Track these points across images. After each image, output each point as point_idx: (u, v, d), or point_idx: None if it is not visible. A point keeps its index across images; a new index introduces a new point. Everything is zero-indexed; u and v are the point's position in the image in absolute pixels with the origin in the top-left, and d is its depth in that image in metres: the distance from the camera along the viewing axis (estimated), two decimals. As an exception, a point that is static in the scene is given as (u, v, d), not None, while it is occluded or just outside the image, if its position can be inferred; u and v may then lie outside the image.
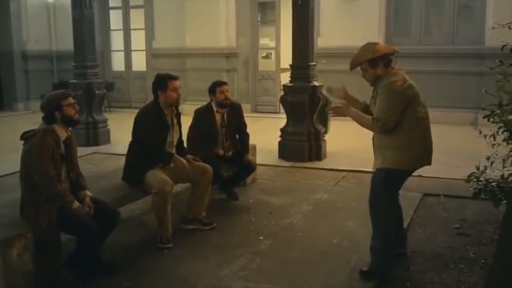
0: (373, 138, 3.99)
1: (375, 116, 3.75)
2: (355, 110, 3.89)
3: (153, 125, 4.55)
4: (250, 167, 5.66)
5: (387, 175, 3.81)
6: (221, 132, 5.59)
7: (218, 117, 5.57)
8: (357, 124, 3.88)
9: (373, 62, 3.78)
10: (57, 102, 3.74)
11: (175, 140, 4.79)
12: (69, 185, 3.84)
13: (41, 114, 3.80)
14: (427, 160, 4.01)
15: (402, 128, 3.73)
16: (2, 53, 13.42)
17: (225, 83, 5.62)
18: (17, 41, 13.21)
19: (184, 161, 4.66)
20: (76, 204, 3.74)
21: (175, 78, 4.64)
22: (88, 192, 3.92)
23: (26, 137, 3.73)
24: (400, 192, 3.96)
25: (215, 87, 5.54)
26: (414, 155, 3.85)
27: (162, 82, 4.61)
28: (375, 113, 3.75)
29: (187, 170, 4.66)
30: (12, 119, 11.98)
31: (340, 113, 3.94)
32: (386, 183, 3.83)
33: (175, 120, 4.77)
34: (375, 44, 3.85)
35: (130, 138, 4.71)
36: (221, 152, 5.59)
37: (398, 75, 3.78)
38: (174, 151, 4.77)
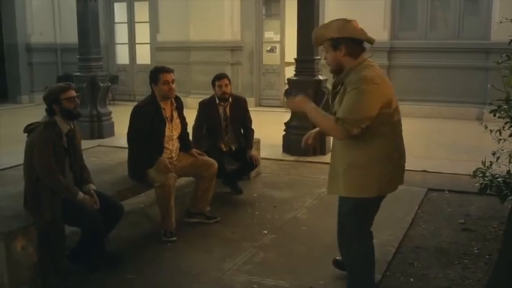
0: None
1: (339, 115, 2.96)
2: (314, 106, 3.15)
3: (146, 118, 4.50)
4: (253, 163, 5.65)
5: (358, 206, 3.14)
6: (223, 125, 5.57)
7: (221, 110, 5.55)
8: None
9: (335, 42, 3.05)
10: (55, 95, 3.72)
11: (176, 134, 4.75)
12: (72, 178, 3.83)
13: (45, 107, 3.80)
14: (400, 179, 3.21)
15: (372, 137, 3.00)
16: (6, 46, 13.45)
17: (224, 77, 5.55)
18: (21, 33, 13.24)
19: (168, 165, 4.50)
20: (81, 195, 3.74)
21: (167, 71, 4.58)
22: (92, 186, 3.92)
23: (29, 129, 3.72)
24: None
25: (214, 80, 5.54)
26: (385, 175, 3.06)
27: (154, 75, 4.59)
28: (340, 113, 2.96)
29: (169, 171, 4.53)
30: (17, 112, 11.99)
31: (295, 106, 3.28)
32: (357, 217, 3.20)
33: (175, 114, 4.72)
34: (347, 21, 3.09)
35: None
36: (222, 146, 5.57)
37: (373, 68, 3.06)
38: (176, 145, 4.75)
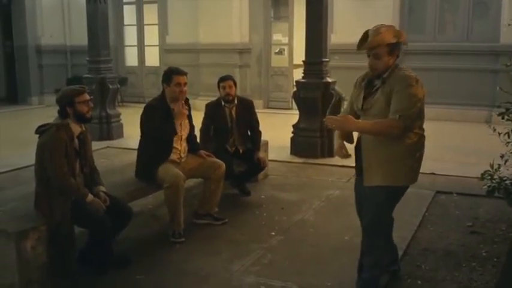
0: (357, 146, 3.43)
1: (395, 111, 3.14)
2: (359, 121, 3.30)
3: (157, 118, 4.54)
4: (260, 165, 5.66)
5: (390, 194, 3.35)
6: (229, 127, 5.59)
7: (227, 112, 5.58)
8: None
9: (393, 47, 3.25)
10: (70, 98, 3.76)
11: (185, 134, 4.78)
12: (83, 180, 3.86)
13: (55, 109, 3.83)
14: (417, 176, 3.46)
15: (411, 133, 3.26)
16: (16, 48, 13.54)
17: (228, 79, 5.56)
18: (31, 35, 13.31)
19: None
20: (90, 197, 3.78)
21: (180, 73, 4.61)
22: (102, 188, 3.95)
23: (40, 131, 3.76)
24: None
25: (219, 82, 5.57)
26: (416, 169, 3.38)
27: (167, 75, 4.62)
28: (396, 110, 3.14)
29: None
30: (27, 113, 12.08)
31: (339, 125, 3.32)
32: (389, 204, 3.41)
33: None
34: (393, 26, 3.31)
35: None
36: (228, 148, 5.59)
37: (408, 69, 3.36)
38: (184, 145, 4.77)
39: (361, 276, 3.54)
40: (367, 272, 3.49)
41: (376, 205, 3.38)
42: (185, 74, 4.65)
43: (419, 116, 3.26)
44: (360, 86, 3.45)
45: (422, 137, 3.34)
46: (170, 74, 4.61)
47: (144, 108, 4.65)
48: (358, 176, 3.56)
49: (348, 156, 3.50)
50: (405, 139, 3.23)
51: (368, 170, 3.35)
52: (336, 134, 3.64)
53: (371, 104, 3.30)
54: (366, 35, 3.30)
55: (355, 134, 3.49)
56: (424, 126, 3.38)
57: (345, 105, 3.71)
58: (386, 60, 3.27)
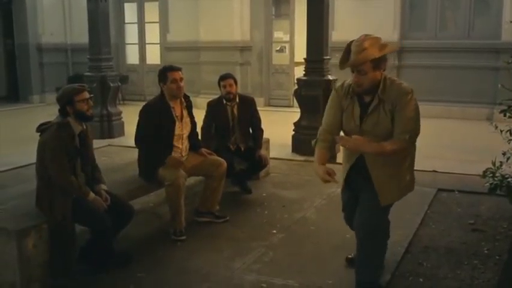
0: (356, 165, 3.35)
1: (403, 131, 3.09)
2: (371, 141, 3.16)
3: (155, 118, 4.52)
4: (261, 163, 5.65)
5: (388, 206, 3.41)
6: (231, 125, 5.59)
7: (228, 110, 5.57)
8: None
9: (378, 62, 3.09)
10: (69, 96, 3.75)
11: (186, 133, 4.76)
12: (84, 178, 3.86)
13: (56, 107, 3.83)
14: None
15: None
16: (17, 46, 13.56)
17: (228, 77, 5.55)
18: (32, 33, 13.33)
19: (179, 159, 4.58)
20: (92, 195, 3.78)
21: (175, 69, 4.60)
22: (103, 186, 3.95)
23: (41, 129, 3.76)
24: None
25: (219, 81, 5.56)
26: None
27: (162, 74, 4.61)
28: (402, 129, 3.09)
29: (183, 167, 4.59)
30: (28, 111, 12.08)
31: (354, 147, 3.25)
32: (388, 211, 3.44)
33: (184, 113, 4.73)
34: (379, 39, 3.14)
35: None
36: (230, 146, 5.59)
37: (396, 79, 3.27)
38: (185, 143, 4.76)
39: (360, 280, 3.47)
40: (366, 277, 3.43)
41: (376, 214, 3.32)
42: (179, 69, 4.64)
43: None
44: (351, 101, 3.29)
45: (415, 148, 3.37)
46: (165, 72, 4.60)
47: (143, 108, 4.62)
48: (350, 192, 3.55)
49: (336, 181, 3.34)
50: (407, 155, 3.28)
51: (382, 189, 3.28)
52: (316, 158, 3.41)
53: (372, 124, 3.20)
54: (348, 50, 3.17)
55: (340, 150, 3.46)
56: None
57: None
58: (372, 76, 3.12)
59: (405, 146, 3.15)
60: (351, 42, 3.19)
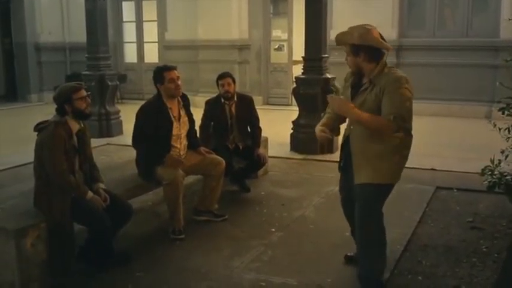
0: (344, 143, 3.52)
1: (388, 112, 3.16)
2: (356, 109, 3.27)
3: (151, 118, 4.50)
4: (260, 161, 5.65)
5: (381, 191, 3.41)
6: (229, 124, 5.58)
7: (226, 108, 5.57)
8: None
9: (355, 49, 3.29)
10: (67, 95, 3.74)
11: (184, 132, 4.74)
12: (82, 177, 3.85)
13: (54, 106, 3.82)
14: (400, 175, 3.50)
15: (399, 132, 3.29)
16: (15, 45, 13.53)
17: (226, 76, 5.55)
18: (30, 32, 13.31)
19: (178, 158, 4.58)
20: (90, 194, 3.77)
21: (170, 68, 4.57)
22: (102, 185, 3.94)
23: (39, 128, 3.75)
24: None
25: (217, 80, 5.56)
26: (401, 168, 3.43)
27: (158, 75, 4.57)
28: (390, 110, 3.16)
29: (182, 166, 4.59)
30: (26, 110, 12.06)
31: (338, 105, 3.35)
32: (379, 201, 3.44)
33: (182, 112, 4.72)
34: (369, 30, 3.28)
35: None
36: (228, 145, 5.58)
37: (398, 70, 3.36)
38: (184, 143, 4.75)
39: (361, 274, 3.53)
40: (366, 271, 3.48)
41: (364, 201, 3.40)
42: (175, 68, 4.61)
43: (409, 117, 3.25)
44: (347, 83, 3.50)
45: (409, 136, 3.35)
46: (161, 72, 4.56)
47: (140, 110, 4.60)
48: (343, 172, 3.64)
49: (330, 136, 3.50)
50: (393, 137, 3.27)
51: (357, 167, 3.39)
52: (322, 121, 3.60)
53: (359, 104, 3.31)
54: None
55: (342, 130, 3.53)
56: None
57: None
58: (354, 60, 3.32)
59: (388, 126, 3.17)
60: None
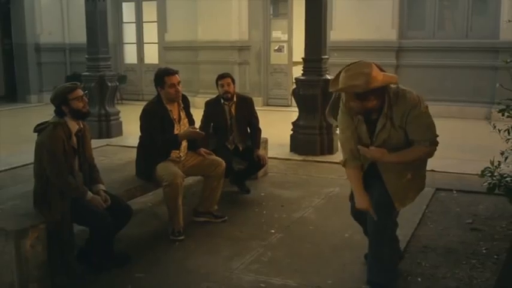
0: (370, 167, 3.39)
1: (422, 139, 3.17)
2: (393, 155, 3.24)
3: (155, 122, 4.52)
4: (260, 163, 5.65)
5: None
6: (228, 124, 5.58)
7: (226, 109, 5.57)
8: None
9: (363, 95, 3.07)
10: (63, 96, 3.73)
11: None
12: (82, 178, 3.85)
13: (54, 107, 3.82)
14: None
15: None
16: (15, 46, 13.54)
17: (226, 76, 5.55)
18: (30, 33, 13.32)
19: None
20: (90, 195, 3.77)
21: (172, 73, 4.56)
22: (101, 186, 3.94)
23: (38, 129, 3.74)
24: None
25: (217, 80, 5.56)
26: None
27: (159, 78, 4.57)
28: (421, 137, 3.17)
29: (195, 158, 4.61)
30: (26, 111, 12.07)
31: (378, 158, 3.29)
32: (394, 214, 3.48)
33: (182, 114, 4.72)
34: (370, 73, 3.03)
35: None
36: (228, 146, 5.58)
37: (406, 90, 3.22)
38: (184, 144, 4.74)
39: (372, 281, 3.52)
40: (380, 277, 3.48)
41: (383, 214, 3.36)
42: (176, 72, 4.60)
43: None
44: (359, 122, 3.32)
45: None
46: (162, 76, 4.56)
47: (142, 112, 4.61)
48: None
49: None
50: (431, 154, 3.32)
51: (397, 193, 3.33)
52: (355, 185, 3.45)
53: (383, 140, 3.24)
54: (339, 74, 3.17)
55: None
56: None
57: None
58: (360, 105, 3.14)
59: (429, 152, 3.25)
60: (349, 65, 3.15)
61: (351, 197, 3.66)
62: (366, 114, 3.25)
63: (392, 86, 3.20)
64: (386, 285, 3.48)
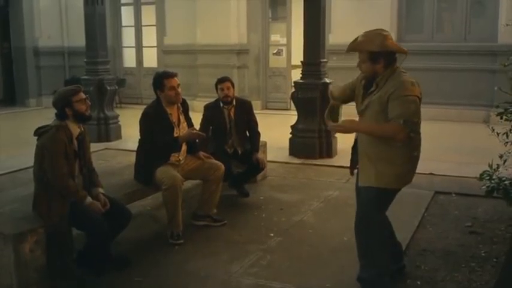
0: (354, 143, 3.55)
1: (398, 116, 3.14)
2: (362, 123, 3.37)
3: (155, 126, 4.52)
4: (259, 166, 5.65)
5: (381, 196, 3.38)
6: (228, 128, 5.58)
7: (225, 113, 5.57)
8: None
9: (374, 56, 3.26)
10: (67, 98, 3.74)
11: None
12: (81, 181, 3.85)
13: (53, 110, 3.81)
14: (411, 178, 3.48)
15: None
16: (14, 49, 13.54)
17: (226, 80, 5.55)
18: (29, 37, 13.31)
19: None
20: (89, 200, 3.77)
21: (171, 76, 4.56)
22: (100, 189, 3.94)
23: (39, 132, 3.74)
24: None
25: (216, 84, 5.56)
26: (410, 171, 3.40)
27: (158, 81, 4.57)
28: (396, 114, 3.15)
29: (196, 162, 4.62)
30: (25, 115, 12.07)
31: (346, 130, 3.45)
32: (379, 206, 3.42)
33: (181, 117, 4.73)
34: (386, 36, 3.28)
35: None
36: (227, 149, 5.58)
37: (406, 74, 3.36)
38: (183, 148, 4.74)
39: (360, 276, 3.55)
40: (365, 272, 3.50)
41: (366, 202, 3.43)
42: (175, 75, 4.61)
43: (419, 119, 3.25)
44: (360, 85, 3.49)
45: (419, 142, 3.37)
46: (161, 79, 4.56)
47: (142, 115, 4.62)
48: (352, 173, 3.71)
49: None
50: (404, 139, 3.23)
51: (362, 169, 3.43)
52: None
53: (365, 106, 3.35)
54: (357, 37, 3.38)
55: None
56: (422, 126, 3.38)
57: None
58: (370, 66, 3.30)
59: (400, 129, 3.14)
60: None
61: (356, 191, 3.66)
62: (370, 81, 3.36)
63: (399, 67, 3.38)
64: (371, 281, 3.46)
